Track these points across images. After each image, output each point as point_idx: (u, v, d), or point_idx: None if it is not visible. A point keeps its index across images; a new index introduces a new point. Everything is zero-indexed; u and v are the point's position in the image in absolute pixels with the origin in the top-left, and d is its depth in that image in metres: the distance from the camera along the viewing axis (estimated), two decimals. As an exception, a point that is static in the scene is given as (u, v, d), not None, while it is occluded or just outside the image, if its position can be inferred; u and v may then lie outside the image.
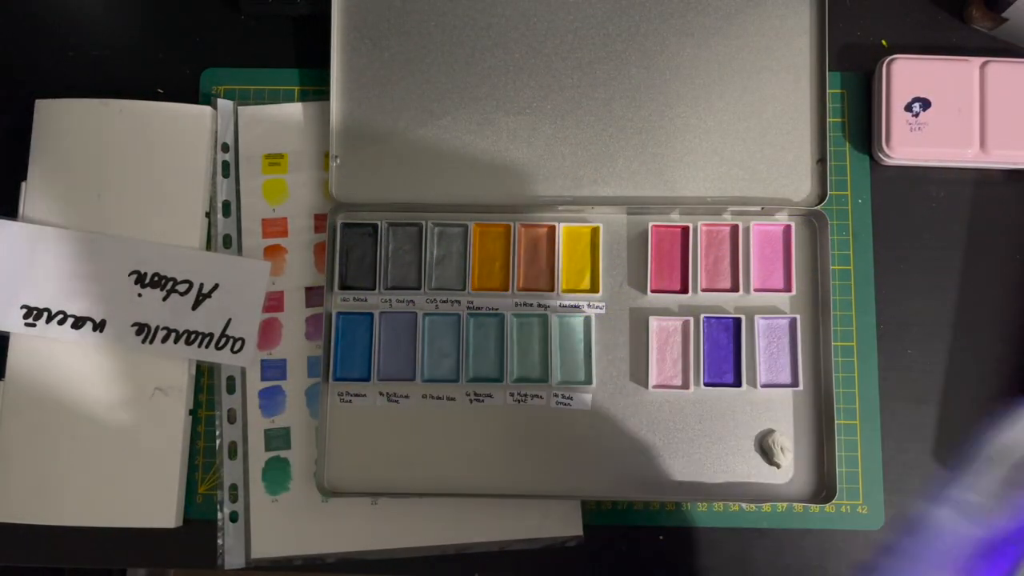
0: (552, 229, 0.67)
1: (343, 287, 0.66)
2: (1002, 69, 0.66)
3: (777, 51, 0.67)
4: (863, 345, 0.66)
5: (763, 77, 0.67)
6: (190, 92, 0.70)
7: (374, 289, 0.66)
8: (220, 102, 0.68)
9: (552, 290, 0.66)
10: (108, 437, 0.64)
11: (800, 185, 0.66)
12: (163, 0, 0.72)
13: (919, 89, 0.66)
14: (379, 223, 0.66)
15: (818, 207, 0.65)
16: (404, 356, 0.66)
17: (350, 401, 0.65)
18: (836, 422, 0.63)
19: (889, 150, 0.66)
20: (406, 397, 0.65)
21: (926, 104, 0.66)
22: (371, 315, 0.66)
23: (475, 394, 0.65)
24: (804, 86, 0.67)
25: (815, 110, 0.66)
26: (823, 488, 0.64)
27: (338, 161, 0.67)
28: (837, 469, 0.63)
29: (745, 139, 0.67)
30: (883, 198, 0.68)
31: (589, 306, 0.66)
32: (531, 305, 0.66)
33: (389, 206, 0.66)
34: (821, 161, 0.66)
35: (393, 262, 0.67)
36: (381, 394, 0.65)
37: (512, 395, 0.65)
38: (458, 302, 0.66)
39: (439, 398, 0.65)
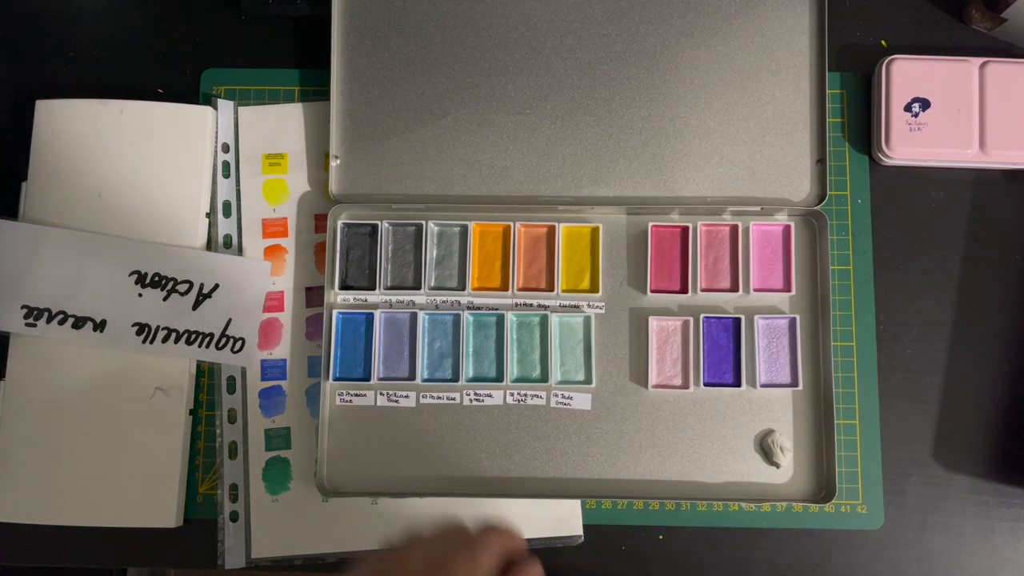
0: (552, 229, 0.67)
1: (343, 287, 0.66)
2: (1001, 69, 0.66)
3: (777, 51, 0.67)
4: (862, 345, 0.66)
5: (763, 77, 0.67)
6: (190, 92, 0.70)
7: (374, 289, 0.66)
8: (220, 102, 0.69)
9: (552, 290, 0.66)
10: (108, 437, 0.64)
11: (800, 185, 0.66)
12: (163, 0, 0.72)
13: (918, 89, 0.66)
14: (379, 223, 0.66)
15: (817, 207, 0.65)
16: (404, 356, 0.66)
17: (350, 401, 0.65)
18: (836, 422, 0.63)
19: (888, 150, 0.66)
20: (406, 397, 0.65)
21: (925, 104, 0.66)
22: (371, 315, 0.66)
23: (475, 394, 0.65)
24: (804, 86, 0.67)
25: (815, 110, 0.67)
26: (823, 488, 0.64)
27: (338, 161, 0.67)
28: (837, 469, 0.63)
29: (745, 139, 0.67)
30: (882, 198, 0.68)
31: (589, 306, 0.66)
32: (531, 305, 0.66)
33: (389, 200, 0.66)
34: (821, 161, 0.66)
35: (393, 262, 0.67)
36: (381, 394, 0.66)
37: (512, 395, 0.65)
38: (458, 302, 0.66)
39: (439, 398, 0.65)
